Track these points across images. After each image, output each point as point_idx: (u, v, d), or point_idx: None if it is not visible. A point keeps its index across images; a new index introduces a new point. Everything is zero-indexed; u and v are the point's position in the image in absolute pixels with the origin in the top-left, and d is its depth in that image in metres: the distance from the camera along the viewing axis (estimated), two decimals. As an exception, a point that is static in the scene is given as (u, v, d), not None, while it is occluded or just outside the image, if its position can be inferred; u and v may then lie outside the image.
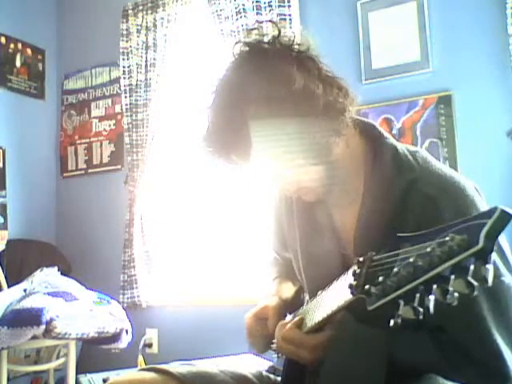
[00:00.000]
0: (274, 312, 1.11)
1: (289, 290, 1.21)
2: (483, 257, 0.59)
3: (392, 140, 1.01)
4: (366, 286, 0.72)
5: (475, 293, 0.59)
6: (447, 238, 0.62)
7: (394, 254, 0.72)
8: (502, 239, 0.92)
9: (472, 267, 0.59)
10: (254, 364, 1.24)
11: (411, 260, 0.66)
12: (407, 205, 0.93)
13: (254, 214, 2.80)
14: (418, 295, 0.64)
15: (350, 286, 0.76)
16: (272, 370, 1.17)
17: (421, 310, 0.64)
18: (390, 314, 0.66)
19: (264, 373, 1.17)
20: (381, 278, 0.70)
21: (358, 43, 2.63)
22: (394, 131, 2.50)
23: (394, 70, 2.53)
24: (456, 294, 0.60)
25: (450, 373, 0.91)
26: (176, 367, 1.08)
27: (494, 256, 0.87)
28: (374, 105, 2.52)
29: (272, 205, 1.25)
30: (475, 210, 0.89)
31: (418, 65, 2.49)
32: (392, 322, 0.65)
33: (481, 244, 0.59)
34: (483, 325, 0.86)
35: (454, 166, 2.34)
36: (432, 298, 0.63)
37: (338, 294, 0.87)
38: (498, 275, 0.87)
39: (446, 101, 2.42)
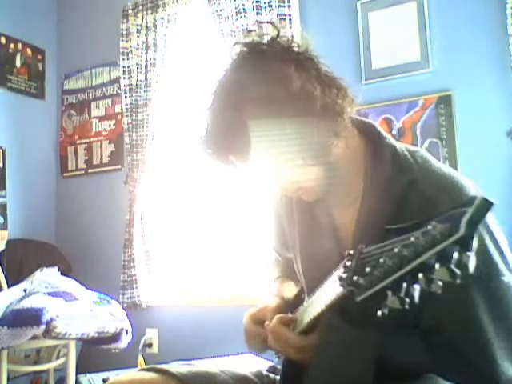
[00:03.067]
0: (272, 313, 1.11)
1: (290, 291, 1.21)
2: (465, 244, 0.61)
3: (391, 140, 1.02)
4: (355, 278, 0.73)
5: (458, 280, 0.60)
6: (430, 227, 0.64)
7: (382, 245, 0.73)
8: (502, 239, 0.92)
9: (455, 255, 0.60)
10: (254, 364, 1.23)
11: (396, 250, 0.67)
12: (406, 204, 0.93)
13: (254, 214, 2.80)
14: (404, 285, 0.65)
15: (340, 278, 0.77)
16: (272, 369, 1.18)
17: (407, 300, 0.65)
18: (379, 305, 0.67)
19: (264, 372, 1.17)
20: (368, 269, 0.71)
21: (358, 43, 2.63)
22: (394, 131, 2.50)
23: (394, 70, 2.53)
24: (440, 283, 0.61)
25: (444, 374, 0.91)
26: (176, 367, 1.08)
27: (495, 256, 0.88)
28: (374, 105, 2.52)
29: (272, 205, 1.25)
30: None
31: (418, 65, 2.49)
32: (379, 313, 0.66)
33: (461, 231, 0.60)
34: (479, 327, 0.86)
35: (454, 166, 2.34)
36: (417, 287, 0.64)
37: (330, 289, 0.87)
38: (497, 275, 0.88)
39: (446, 101, 2.42)
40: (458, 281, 0.60)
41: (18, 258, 3.00)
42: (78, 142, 3.46)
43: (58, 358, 2.70)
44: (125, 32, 3.17)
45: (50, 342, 2.37)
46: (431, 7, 2.49)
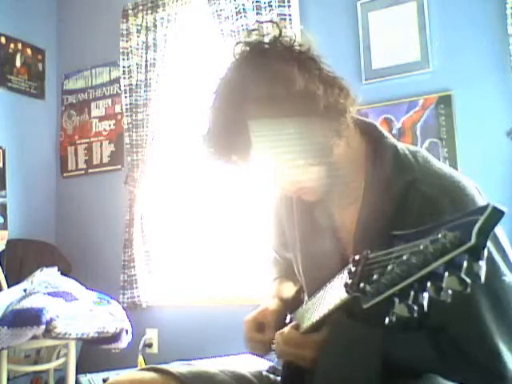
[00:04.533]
0: (273, 316, 1.11)
1: (289, 290, 1.21)
2: (476, 253, 0.60)
3: (392, 140, 1.01)
4: (361, 285, 0.72)
5: (468, 289, 0.59)
6: (440, 236, 0.63)
7: (389, 252, 0.72)
8: (503, 239, 0.92)
9: (465, 264, 0.60)
10: (253, 364, 1.23)
11: (405, 258, 0.66)
12: (407, 205, 0.93)
13: (254, 214, 2.80)
14: (412, 293, 0.64)
15: (346, 285, 0.76)
16: (272, 369, 1.17)
17: (415, 307, 0.64)
18: (385, 312, 0.66)
19: (264, 373, 1.17)
20: (375, 276, 0.70)
21: (358, 43, 2.63)
22: (394, 131, 2.50)
23: (394, 70, 2.53)
24: (450, 292, 0.61)
25: (448, 372, 0.91)
26: (176, 367, 1.08)
27: (496, 256, 0.88)
28: (374, 105, 2.52)
29: (272, 205, 1.25)
30: None
31: (418, 65, 2.48)
32: (387, 320, 0.65)
33: (473, 241, 0.60)
34: (482, 324, 0.86)
35: (454, 166, 2.34)
36: (426, 295, 0.63)
37: (334, 293, 0.87)
38: (499, 275, 0.88)
39: (445, 101, 2.42)
40: (469, 290, 0.59)
41: (18, 258, 3.00)
42: (77, 142, 3.46)
43: (58, 358, 2.70)
44: (125, 32, 3.17)
45: (50, 342, 2.37)
46: (431, 7, 2.49)
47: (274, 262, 1.34)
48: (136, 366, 2.65)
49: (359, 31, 2.63)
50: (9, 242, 2.94)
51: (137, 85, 3.11)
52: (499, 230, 0.91)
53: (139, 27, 3.14)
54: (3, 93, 3.25)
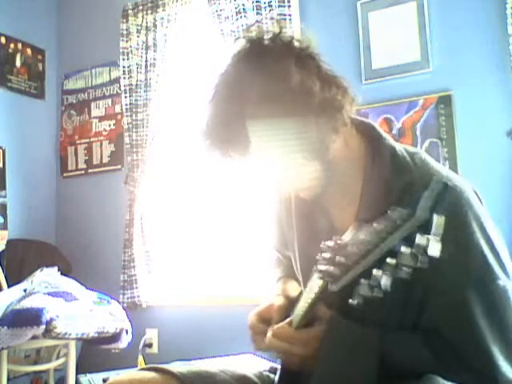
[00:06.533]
0: (279, 313, 1.10)
1: (295, 290, 1.21)
2: (424, 228, 0.63)
3: (391, 141, 1.01)
4: (331, 269, 0.73)
5: (419, 264, 0.62)
6: (393, 213, 0.66)
7: (356, 235, 0.74)
8: (498, 241, 0.91)
9: (416, 239, 0.62)
10: (254, 364, 1.23)
11: (364, 237, 0.69)
12: (404, 206, 0.92)
13: (254, 213, 2.80)
14: (374, 272, 0.67)
15: (319, 271, 0.78)
16: (273, 370, 1.17)
17: (380, 287, 0.66)
18: (354, 293, 0.69)
19: (265, 373, 1.17)
20: (342, 259, 0.72)
21: (358, 43, 2.63)
22: (394, 131, 2.50)
23: (394, 70, 2.53)
24: (406, 268, 0.63)
25: (446, 374, 0.91)
26: (176, 367, 1.08)
27: (490, 259, 0.88)
28: (374, 105, 2.52)
29: (272, 204, 1.25)
30: (472, 214, 0.89)
31: (418, 65, 2.49)
32: (355, 302, 0.67)
33: (417, 215, 0.63)
34: (476, 329, 0.86)
35: (454, 166, 2.34)
36: (387, 273, 0.65)
37: (314, 284, 0.88)
38: (493, 278, 0.88)
39: (445, 101, 2.42)
40: (419, 265, 0.62)
41: (18, 258, 3.00)
42: (77, 142, 3.46)
43: (58, 358, 2.70)
44: (125, 32, 3.17)
45: (50, 342, 2.37)
46: (431, 7, 2.49)
47: (276, 262, 1.34)
48: (136, 366, 2.65)
49: (359, 31, 2.63)
50: (9, 242, 2.93)
51: (137, 85, 3.11)
52: (494, 233, 0.91)
53: (139, 27, 3.14)
54: (3, 93, 3.25)
